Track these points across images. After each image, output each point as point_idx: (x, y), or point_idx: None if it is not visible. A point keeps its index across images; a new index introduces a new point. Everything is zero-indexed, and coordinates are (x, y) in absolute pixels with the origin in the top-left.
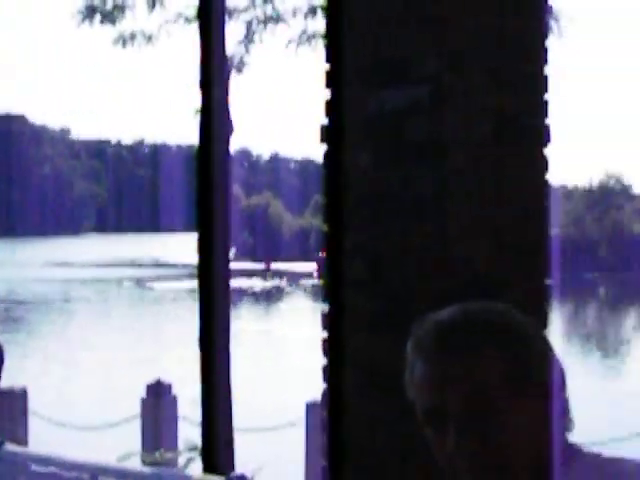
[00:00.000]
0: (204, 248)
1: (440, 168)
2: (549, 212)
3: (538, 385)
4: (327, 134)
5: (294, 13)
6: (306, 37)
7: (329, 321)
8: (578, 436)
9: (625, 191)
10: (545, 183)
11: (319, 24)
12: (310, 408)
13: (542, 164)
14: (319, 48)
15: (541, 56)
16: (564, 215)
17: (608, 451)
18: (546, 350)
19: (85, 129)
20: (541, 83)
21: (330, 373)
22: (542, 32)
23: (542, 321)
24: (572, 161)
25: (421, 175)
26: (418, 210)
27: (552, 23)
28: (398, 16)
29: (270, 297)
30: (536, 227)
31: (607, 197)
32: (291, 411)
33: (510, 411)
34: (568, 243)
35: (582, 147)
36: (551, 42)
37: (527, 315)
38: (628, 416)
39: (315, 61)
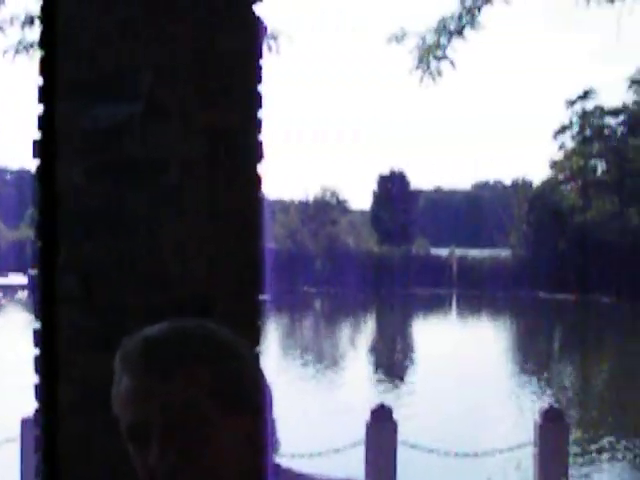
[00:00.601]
0: None
1: (154, 185)
2: (263, 227)
3: (245, 404)
4: (40, 148)
5: (11, 21)
6: (23, 46)
7: (42, 338)
8: (287, 450)
9: (340, 205)
10: (259, 199)
11: (36, 34)
12: (25, 424)
13: (256, 180)
14: (37, 58)
15: (255, 74)
16: (281, 229)
17: (315, 465)
18: (255, 370)
19: None
20: (255, 101)
21: (43, 390)
22: (256, 51)
23: (255, 337)
24: (289, 175)
25: (135, 191)
26: (132, 226)
27: (269, 42)
28: (113, 31)
29: None
30: (250, 243)
31: (323, 211)
32: (7, 428)
33: (216, 428)
34: (285, 257)
35: (298, 161)
36: (268, 60)
37: (241, 330)
38: (339, 430)
39: (32, 71)
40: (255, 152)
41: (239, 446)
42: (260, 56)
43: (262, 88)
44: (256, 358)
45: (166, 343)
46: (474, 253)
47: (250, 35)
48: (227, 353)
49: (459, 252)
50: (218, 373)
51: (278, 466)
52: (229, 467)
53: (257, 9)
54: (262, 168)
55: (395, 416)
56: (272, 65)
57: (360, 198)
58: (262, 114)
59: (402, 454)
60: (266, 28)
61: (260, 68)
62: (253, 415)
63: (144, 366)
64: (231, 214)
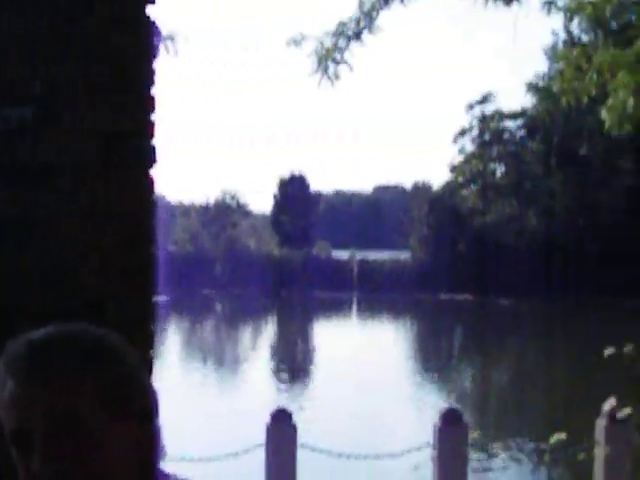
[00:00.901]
0: None
1: (47, 189)
2: (156, 230)
3: (133, 410)
4: None
5: None
6: None
7: None
8: (187, 454)
9: (241, 208)
10: (151, 202)
11: None
12: None
13: (149, 184)
14: None
15: (148, 77)
16: (181, 232)
17: (216, 469)
18: (143, 376)
19: None
20: (148, 104)
21: None
22: (150, 53)
23: (149, 340)
24: (189, 178)
25: (29, 196)
26: (24, 229)
27: (166, 43)
28: (3, 37)
29: None
30: (143, 245)
31: (224, 214)
32: None
33: (101, 434)
34: (185, 260)
35: (199, 164)
36: (166, 62)
37: (134, 333)
38: (240, 433)
39: None
40: (148, 155)
41: (127, 452)
42: (153, 58)
43: (155, 91)
44: (145, 364)
45: (51, 347)
46: (375, 255)
47: (143, 37)
48: (114, 358)
49: (360, 255)
50: (103, 378)
51: (163, 472)
52: (116, 474)
53: (150, 11)
54: (155, 171)
55: (295, 419)
56: (171, 67)
57: (261, 201)
58: (155, 117)
59: (302, 457)
60: (160, 30)
61: (153, 71)
62: (141, 421)
63: (27, 370)
64: (123, 216)
